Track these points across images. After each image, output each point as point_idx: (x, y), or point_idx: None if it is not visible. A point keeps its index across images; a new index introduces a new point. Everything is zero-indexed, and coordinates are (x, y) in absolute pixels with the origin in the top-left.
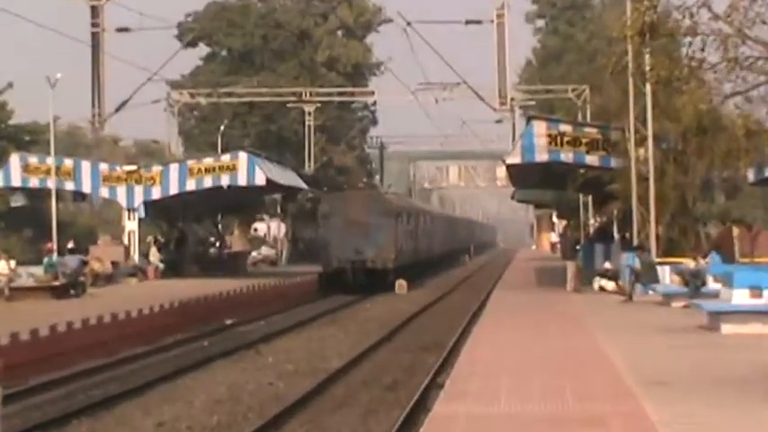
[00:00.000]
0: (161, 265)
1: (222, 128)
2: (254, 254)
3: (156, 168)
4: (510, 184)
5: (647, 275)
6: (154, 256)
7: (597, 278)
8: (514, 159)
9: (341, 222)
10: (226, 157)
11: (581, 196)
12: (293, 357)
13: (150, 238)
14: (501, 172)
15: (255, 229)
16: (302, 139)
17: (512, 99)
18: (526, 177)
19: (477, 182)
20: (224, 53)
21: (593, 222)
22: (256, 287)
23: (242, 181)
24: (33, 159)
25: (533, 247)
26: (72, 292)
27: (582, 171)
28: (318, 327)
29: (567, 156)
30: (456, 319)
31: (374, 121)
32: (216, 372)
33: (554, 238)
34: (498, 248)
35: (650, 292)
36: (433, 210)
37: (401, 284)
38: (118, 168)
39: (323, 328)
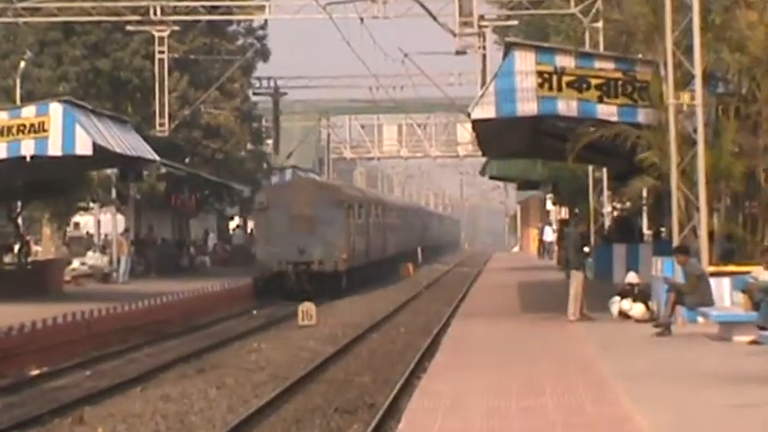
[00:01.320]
0: None
1: (23, 65)
2: (74, 264)
3: None
4: (478, 151)
5: (694, 293)
6: None
7: (616, 298)
8: (485, 112)
9: (281, 216)
10: (28, 111)
11: (591, 170)
12: (137, 429)
13: None
14: (464, 134)
15: (77, 225)
16: (151, 83)
17: (481, 17)
18: (504, 141)
19: (427, 149)
20: None
21: (610, 211)
22: (80, 317)
23: (54, 149)
24: None
25: (515, 248)
26: None
27: (591, 129)
28: (178, 379)
29: (567, 105)
30: (392, 366)
31: (264, 55)
32: None
33: (548, 235)
34: (462, 251)
35: (699, 319)
36: (385, 198)
37: (307, 310)
38: None
39: (185, 382)
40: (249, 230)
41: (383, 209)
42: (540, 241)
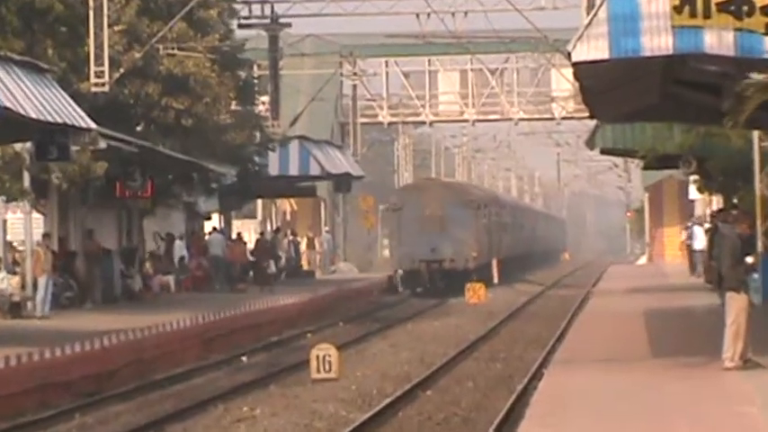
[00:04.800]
0: None
1: None
2: None
3: None
4: (584, 111)
5: None
6: None
7: None
8: (593, 52)
9: (414, 216)
10: None
11: (756, 138)
12: None
13: None
14: (563, 84)
15: None
16: (82, 12)
17: None
18: (622, 95)
19: (505, 108)
20: None
21: None
22: None
23: None
24: None
25: (642, 259)
26: None
27: (757, 75)
28: None
29: (719, 39)
30: None
31: None
32: None
33: (696, 239)
34: (559, 263)
35: None
36: (503, 196)
37: (324, 356)
38: None
39: None
40: (237, 234)
41: (501, 207)
42: (689, 249)
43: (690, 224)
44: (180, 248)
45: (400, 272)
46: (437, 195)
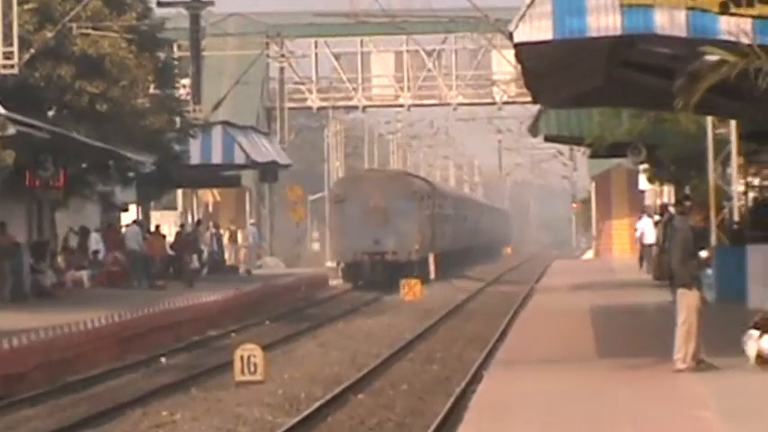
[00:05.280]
0: None
1: None
2: None
3: None
4: (526, 95)
5: None
6: None
7: (753, 333)
8: (536, 32)
9: (356, 208)
10: None
11: (710, 125)
12: None
13: None
14: (504, 67)
15: None
16: None
17: None
18: (567, 79)
19: (443, 92)
20: None
21: (743, 191)
22: None
23: None
24: None
25: (589, 253)
26: None
27: (708, 57)
28: None
29: (670, 19)
30: None
31: None
32: None
33: (647, 232)
34: (501, 257)
35: None
36: (447, 188)
37: (249, 357)
38: None
39: None
40: (155, 227)
41: (444, 199)
42: (640, 242)
43: (640, 216)
44: (95, 242)
45: (342, 264)
46: (380, 186)
